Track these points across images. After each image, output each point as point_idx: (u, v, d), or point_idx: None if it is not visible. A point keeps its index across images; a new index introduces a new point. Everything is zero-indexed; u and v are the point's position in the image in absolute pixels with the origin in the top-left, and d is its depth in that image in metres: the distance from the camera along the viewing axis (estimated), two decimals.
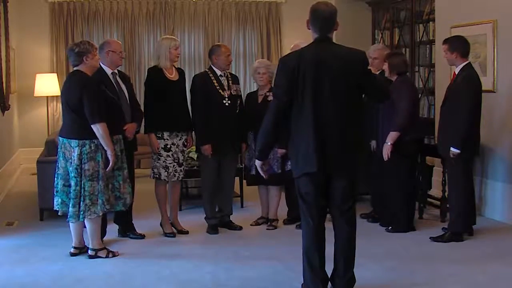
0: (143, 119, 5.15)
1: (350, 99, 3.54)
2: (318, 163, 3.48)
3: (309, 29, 3.62)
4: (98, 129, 4.37)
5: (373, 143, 5.43)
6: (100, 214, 4.50)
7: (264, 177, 3.93)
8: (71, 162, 4.44)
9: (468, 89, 4.85)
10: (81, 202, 4.43)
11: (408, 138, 5.08)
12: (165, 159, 5.11)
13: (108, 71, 4.91)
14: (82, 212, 4.44)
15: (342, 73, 3.49)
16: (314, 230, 3.61)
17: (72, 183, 4.42)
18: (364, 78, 3.61)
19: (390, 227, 5.31)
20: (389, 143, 5.06)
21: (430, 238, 5.00)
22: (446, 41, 5.06)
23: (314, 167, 3.49)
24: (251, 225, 5.55)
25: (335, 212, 3.66)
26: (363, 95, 3.71)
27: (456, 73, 4.98)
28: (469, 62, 5.00)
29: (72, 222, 4.53)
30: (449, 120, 4.93)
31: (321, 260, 3.63)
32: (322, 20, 3.55)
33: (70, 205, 4.44)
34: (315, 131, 3.48)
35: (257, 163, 3.76)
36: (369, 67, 3.76)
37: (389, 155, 5.06)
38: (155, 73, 5.13)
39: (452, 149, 4.85)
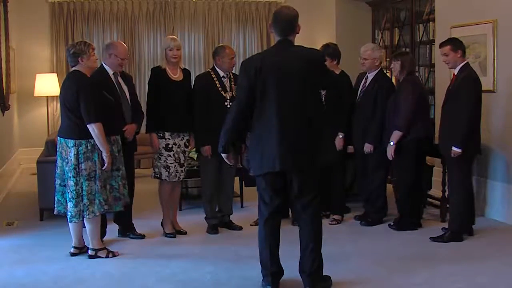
0: (145, 119, 5.15)
1: (311, 98, 3.71)
2: (281, 163, 3.65)
3: (271, 32, 3.84)
4: (93, 129, 4.38)
5: (367, 146, 5.41)
6: (97, 214, 4.50)
7: (230, 165, 4.11)
8: (67, 162, 4.45)
9: (469, 89, 4.85)
10: (80, 202, 4.44)
11: (410, 138, 5.10)
12: (166, 158, 5.11)
13: (110, 71, 4.91)
14: (81, 212, 4.45)
15: (303, 73, 3.65)
16: (267, 225, 3.81)
17: (72, 183, 4.43)
18: (323, 76, 3.88)
19: (391, 223, 5.33)
20: (392, 143, 5.10)
21: (430, 238, 5.00)
22: (446, 43, 5.02)
23: (277, 167, 3.66)
24: (251, 225, 5.54)
25: (298, 208, 3.85)
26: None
27: (456, 73, 4.97)
28: (468, 62, 5.00)
29: (74, 222, 4.53)
30: (451, 120, 4.94)
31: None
32: (283, 23, 3.71)
33: (71, 205, 4.45)
34: (279, 131, 3.63)
35: (223, 155, 4.01)
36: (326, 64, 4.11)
37: (393, 155, 5.11)
38: (157, 73, 5.13)
39: (454, 148, 4.85)
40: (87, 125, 4.38)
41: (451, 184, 5.04)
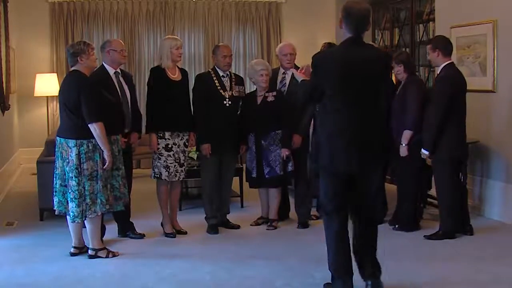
0: (146, 119, 5.17)
1: (379, 97, 3.64)
2: (359, 162, 3.54)
3: (341, 28, 3.62)
4: (95, 128, 4.38)
5: None
6: (99, 213, 4.50)
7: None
8: (68, 162, 4.44)
9: (440, 90, 4.83)
10: (83, 202, 4.43)
11: (415, 138, 5.06)
12: (166, 158, 5.11)
13: (111, 70, 4.91)
14: (84, 212, 4.45)
15: (373, 71, 3.57)
16: (333, 220, 3.65)
17: (74, 183, 4.41)
18: (387, 76, 3.83)
19: (396, 226, 5.32)
20: (404, 144, 5.06)
21: (424, 236, 5.00)
22: (429, 42, 5.08)
23: (353, 167, 3.54)
24: (251, 225, 5.54)
25: (357, 212, 3.71)
26: None
27: (438, 73, 4.97)
28: (452, 62, 4.98)
29: (77, 222, 4.53)
30: (425, 121, 4.92)
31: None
32: (357, 20, 3.54)
33: (74, 205, 4.43)
34: (353, 130, 3.53)
35: None
36: None
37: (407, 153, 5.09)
38: (157, 73, 5.14)
39: (422, 150, 4.87)
40: (89, 125, 4.37)
41: (438, 185, 5.04)
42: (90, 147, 4.43)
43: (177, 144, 5.15)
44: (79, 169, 4.41)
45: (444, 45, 4.93)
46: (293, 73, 3.87)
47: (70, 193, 4.46)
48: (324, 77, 3.54)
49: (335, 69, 3.52)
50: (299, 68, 5.49)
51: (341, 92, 3.53)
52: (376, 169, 3.73)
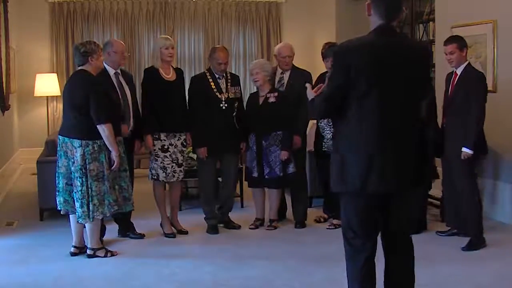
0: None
1: (417, 98, 3.00)
2: (386, 182, 2.88)
3: (369, 15, 2.96)
4: (104, 129, 4.36)
5: None
6: (108, 214, 4.50)
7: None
8: (73, 162, 4.42)
9: (479, 89, 4.76)
10: (90, 203, 4.41)
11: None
12: (163, 159, 5.09)
13: (111, 71, 4.91)
14: (91, 212, 4.43)
15: (409, 68, 2.91)
16: (363, 264, 3.03)
17: (78, 183, 4.40)
18: (427, 73, 3.14)
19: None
20: None
21: (462, 248, 4.76)
22: (452, 41, 4.86)
23: (382, 187, 2.89)
24: (250, 228, 5.50)
25: (390, 241, 3.13)
26: None
27: (458, 73, 4.85)
28: (469, 61, 4.97)
29: (83, 223, 4.51)
30: (461, 121, 4.77)
31: None
32: (388, 2, 2.89)
33: (78, 206, 4.42)
34: (385, 138, 2.87)
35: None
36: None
37: None
38: (150, 73, 5.13)
39: (465, 149, 4.69)
40: (97, 126, 4.35)
41: (466, 192, 4.84)
42: (96, 148, 4.41)
43: (174, 144, 5.13)
44: (84, 170, 4.39)
45: (467, 44, 4.87)
46: (307, 88, 3.49)
47: (75, 192, 4.44)
48: (351, 72, 2.84)
49: (365, 61, 2.83)
50: (298, 68, 5.51)
51: (369, 95, 2.84)
52: (416, 187, 3.09)
